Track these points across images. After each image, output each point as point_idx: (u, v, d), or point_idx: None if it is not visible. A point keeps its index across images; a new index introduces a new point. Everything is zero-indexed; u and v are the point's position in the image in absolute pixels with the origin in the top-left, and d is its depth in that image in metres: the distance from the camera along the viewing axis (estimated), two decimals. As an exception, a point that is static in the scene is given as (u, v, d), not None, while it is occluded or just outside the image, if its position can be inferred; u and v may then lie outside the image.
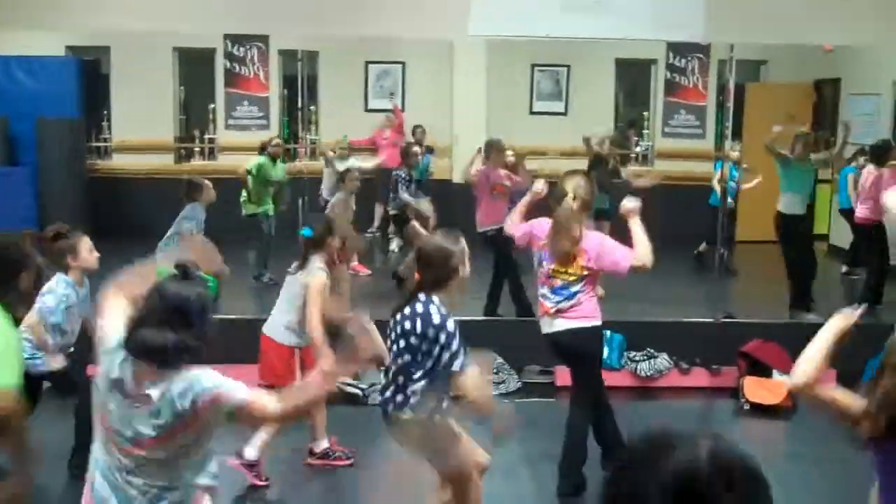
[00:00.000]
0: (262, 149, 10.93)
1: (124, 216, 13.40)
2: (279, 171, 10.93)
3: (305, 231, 5.81)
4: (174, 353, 3.07)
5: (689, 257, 11.51)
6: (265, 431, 5.51)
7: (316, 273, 5.59)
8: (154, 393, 3.00)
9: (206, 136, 14.55)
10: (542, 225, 5.47)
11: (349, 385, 6.98)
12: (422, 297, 4.17)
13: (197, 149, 14.66)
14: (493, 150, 9.21)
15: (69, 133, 13.12)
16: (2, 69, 13.21)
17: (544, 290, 5.42)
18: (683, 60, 14.33)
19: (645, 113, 14.84)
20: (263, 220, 10.64)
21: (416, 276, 4.24)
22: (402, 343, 4.16)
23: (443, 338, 4.06)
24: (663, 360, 7.56)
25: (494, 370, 7.45)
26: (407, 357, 4.15)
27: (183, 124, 14.85)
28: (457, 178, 13.74)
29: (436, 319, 4.08)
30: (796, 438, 6.87)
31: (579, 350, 5.47)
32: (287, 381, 5.27)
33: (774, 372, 7.30)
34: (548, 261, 5.36)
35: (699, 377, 7.61)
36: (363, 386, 7.04)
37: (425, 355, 4.10)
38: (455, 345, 4.08)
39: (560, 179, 5.62)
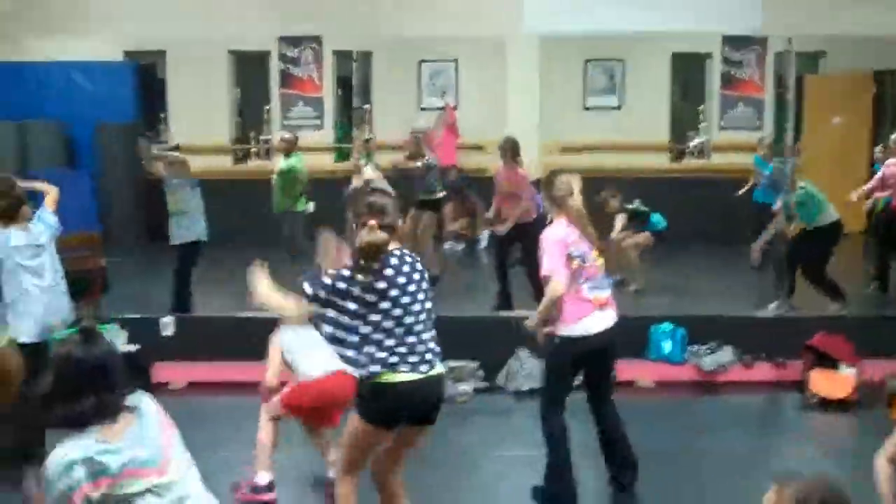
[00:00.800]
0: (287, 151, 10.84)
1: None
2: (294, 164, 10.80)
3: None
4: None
5: (748, 250, 11.33)
6: (263, 450, 5.35)
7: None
8: None
9: (262, 138, 14.66)
10: (559, 235, 5.18)
11: None
12: None
13: (253, 150, 14.77)
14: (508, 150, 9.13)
15: (127, 137, 13.29)
16: (61, 75, 13.44)
17: (592, 283, 5.09)
18: (739, 53, 14.16)
19: (700, 107, 14.68)
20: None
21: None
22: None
23: None
24: (727, 353, 7.46)
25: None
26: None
27: (239, 126, 14.98)
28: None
29: None
30: (863, 432, 6.74)
31: (617, 342, 5.34)
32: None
33: (841, 365, 7.18)
34: (588, 252, 5.17)
35: (764, 371, 7.50)
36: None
37: None
38: None
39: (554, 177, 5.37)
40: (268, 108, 14.48)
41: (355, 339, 3.96)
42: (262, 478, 5.31)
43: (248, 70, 14.85)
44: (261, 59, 14.39)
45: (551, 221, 5.26)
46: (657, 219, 10.12)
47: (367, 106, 14.11)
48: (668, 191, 13.33)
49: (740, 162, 13.29)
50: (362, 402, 4.05)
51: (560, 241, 5.04)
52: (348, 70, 13.83)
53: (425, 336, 4.08)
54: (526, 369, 7.26)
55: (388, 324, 3.95)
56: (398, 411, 4.01)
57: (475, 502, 4.70)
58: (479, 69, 14.11)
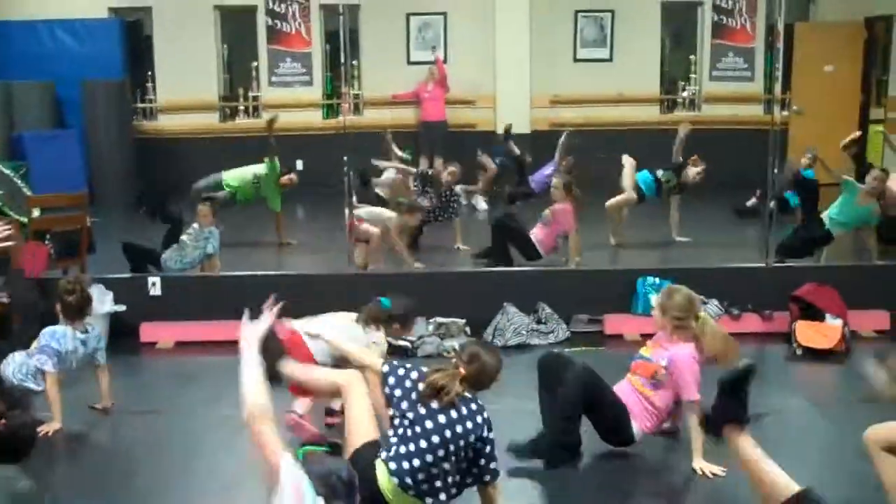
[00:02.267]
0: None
1: (171, 176, 13.50)
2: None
3: (384, 302, 5.46)
4: None
5: (736, 201, 11.31)
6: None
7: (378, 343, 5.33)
8: None
9: (251, 94, 14.57)
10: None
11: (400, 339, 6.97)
12: None
13: (241, 107, 14.69)
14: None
15: (114, 95, 13.22)
16: (46, 33, 13.33)
17: None
18: (730, 1, 14.05)
19: (692, 57, 14.58)
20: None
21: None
22: None
23: None
24: (713, 306, 7.46)
25: (543, 320, 7.43)
26: None
27: (227, 83, 14.88)
28: (500, 129, 13.69)
29: None
30: (849, 382, 6.77)
31: None
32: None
33: (827, 316, 7.19)
34: None
35: (751, 322, 7.51)
36: (412, 338, 7.05)
37: None
38: None
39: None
40: (255, 64, 14.37)
41: None
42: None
43: (235, 26, 14.72)
44: (248, 13, 14.26)
45: None
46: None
47: (354, 62, 14.02)
48: (659, 143, 13.31)
49: (730, 113, 13.27)
50: None
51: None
52: (336, 24, 13.67)
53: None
54: (513, 324, 7.28)
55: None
56: None
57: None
58: (469, 22, 14.00)
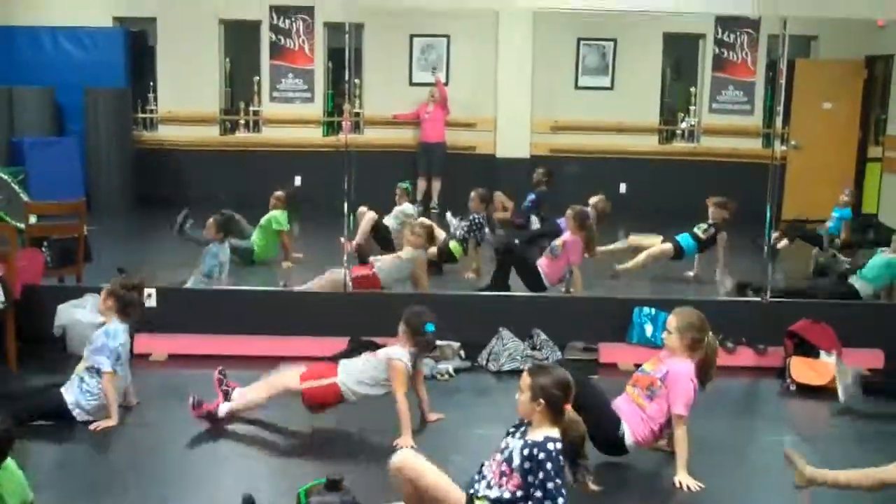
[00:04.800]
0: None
1: (169, 187, 13.53)
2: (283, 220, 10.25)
3: (429, 327, 5.72)
4: None
5: (733, 235, 11.33)
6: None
7: (401, 357, 5.63)
8: None
9: (251, 109, 14.60)
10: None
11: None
12: None
13: (242, 121, 14.71)
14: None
15: (116, 103, 13.24)
16: (50, 40, 13.37)
17: None
18: (732, 35, 14.13)
19: (692, 88, 14.66)
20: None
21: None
22: None
23: None
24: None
25: (538, 346, 7.42)
26: None
27: (228, 96, 14.91)
28: (500, 152, 13.74)
29: None
30: (842, 419, 6.79)
31: None
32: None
33: (822, 353, 7.20)
34: None
35: (745, 357, 7.51)
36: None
37: None
38: None
39: None
40: (257, 78, 14.40)
41: None
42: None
43: (239, 40, 14.76)
44: (252, 28, 14.31)
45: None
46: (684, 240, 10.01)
47: (357, 81, 14.07)
48: (657, 172, 13.37)
49: (729, 146, 13.32)
50: None
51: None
52: (340, 42, 13.73)
53: None
54: (508, 349, 7.27)
55: None
56: None
57: (458, 480, 4.69)
58: (471, 45, 14.06)
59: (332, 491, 3.83)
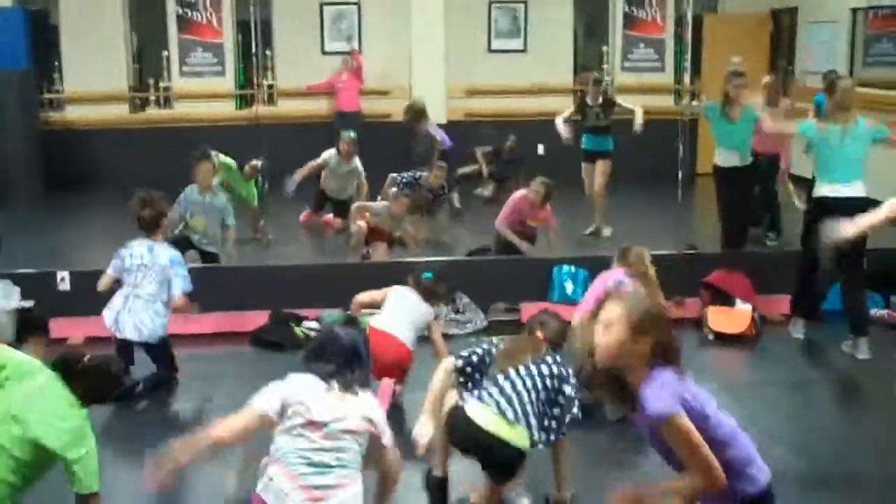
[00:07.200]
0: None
1: (79, 168, 13.24)
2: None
3: (427, 274, 6.08)
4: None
5: (646, 190, 11.49)
6: None
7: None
8: None
9: (161, 85, 14.31)
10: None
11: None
12: None
13: (152, 98, 14.42)
14: None
15: (19, 85, 12.86)
16: (-53, 22, 12.91)
17: None
18: (639, -8, 14.25)
19: (604, 48, 14.73)
20: None
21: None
22: None
23: None
24: (627, 293, 7.58)
25: (461, 309, 7.45)
26: None
27: (137, 73, 14.59)
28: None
29: None
30: (759, 366, 6.95)
31: None
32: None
33: (737, 301, 7.36)
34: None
35: (663, 309, 7.64)
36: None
37: None
38: None
39: None
40: (166, 54, 14.11)
41: None
42: None
43: (145, 15, 14.43)
44: (158, 3, 14.00)
45: None
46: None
47: (268, 52, 13.89)
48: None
49: (642, 103, 13.41)
50: None
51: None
52: (247, 14, 13.52)
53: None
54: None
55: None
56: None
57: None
58: (383, 12, 13.94)
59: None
